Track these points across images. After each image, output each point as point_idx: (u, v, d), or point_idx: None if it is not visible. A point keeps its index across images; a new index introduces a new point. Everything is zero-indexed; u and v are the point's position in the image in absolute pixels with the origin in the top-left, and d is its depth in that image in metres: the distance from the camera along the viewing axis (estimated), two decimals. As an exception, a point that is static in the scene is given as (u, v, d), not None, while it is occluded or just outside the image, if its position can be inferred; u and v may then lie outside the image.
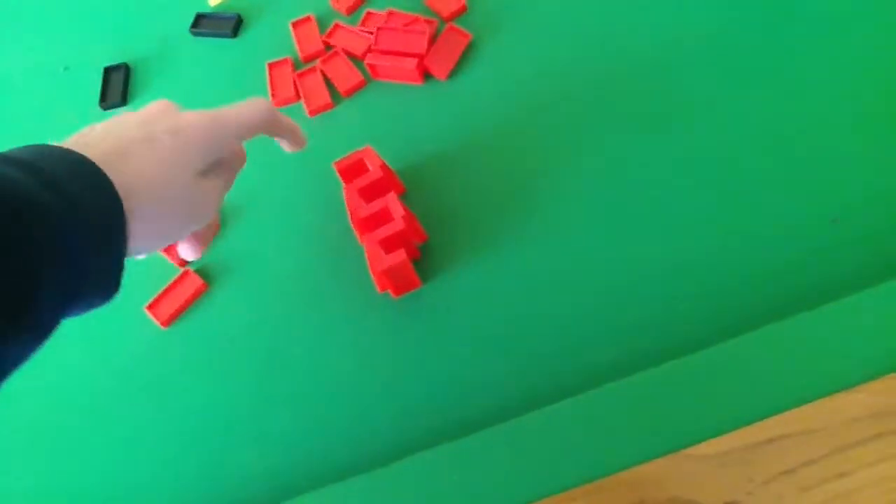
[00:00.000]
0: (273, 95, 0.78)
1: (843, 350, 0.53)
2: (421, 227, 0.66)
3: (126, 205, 0.45)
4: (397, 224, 0.62)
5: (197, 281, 0.69)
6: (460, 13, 0.79)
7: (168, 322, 0.68)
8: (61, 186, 0.42)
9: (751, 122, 0.67)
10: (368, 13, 0.81)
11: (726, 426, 0.52)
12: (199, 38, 0.85)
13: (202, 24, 0.85)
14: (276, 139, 0.61)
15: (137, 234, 0.47)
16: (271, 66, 0.79)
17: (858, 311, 0.55)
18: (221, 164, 0.55)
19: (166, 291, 0.69)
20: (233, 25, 0.84)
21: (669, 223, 0.64)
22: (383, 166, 0.67)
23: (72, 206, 0.42)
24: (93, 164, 0.45)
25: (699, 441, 0.52)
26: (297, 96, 0.78)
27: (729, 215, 0.63)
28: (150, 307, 0.69)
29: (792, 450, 0.51)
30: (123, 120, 0.51)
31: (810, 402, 0.52)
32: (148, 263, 0.64)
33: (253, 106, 0.56)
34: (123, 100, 0.81)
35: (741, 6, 0.73)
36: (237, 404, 0.64)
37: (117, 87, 0.82)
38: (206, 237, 0.59)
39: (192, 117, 0.52)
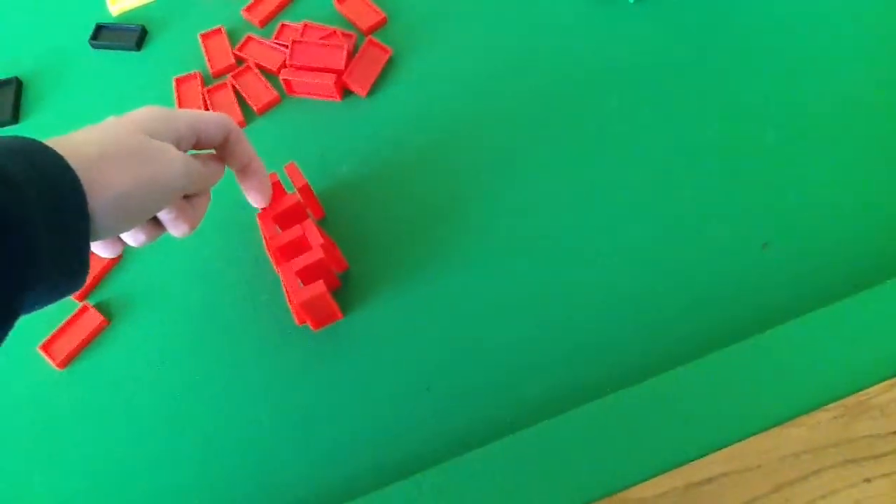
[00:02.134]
0: (180, 113, 0.73)
1: (779, 382, 0.52)
2: (341, 255, 0.62)
3: (74, 162, 0.42)
4: (316, 253, 0.58)
5: (96, 317, 0.63)
6: (379, 26, 0.76)
7: (64, 363, 0.63)
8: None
9: (680, 148, 0.65)
10: (283, 25, 0.76)
11: (664, 465, 0.50)
12: (100, 51, 0.79)
13: (103, 35, 0.79)
14: (240, 177, 0.57)
15: (97, 195, 0.43)
16: (179, 81, 0.74)
17: (792, 342, 0.54)
18: (180, 145, 0.51)
19: (62, 329, 0.63)
20: (136, 37, 0.78)
21: (600, 250, 0.62)
22: (305, 187, 0.63)
23: (7, 181, 0.39)
24: (31, 140, 0.42)
25: (636, 482, 0.50)
26: (207, 114, 0.73)
27: (661, 243, 0.61)
28: (45, 347, 0.63)
29: (732, 489, 0.49)
30: None
31: (748, 437, 0.50)
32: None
33: (214, 112, 0.54)
34: (14, 117, 0.75)
35: (670, 28, 0.72)
36: (140, 452, 0.59)
37: (7, 103, 0.75)
38: (191, 214, 0.53)
39: (142, 107, 0.50)
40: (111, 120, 0.48)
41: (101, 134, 0.46)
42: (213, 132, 0.53)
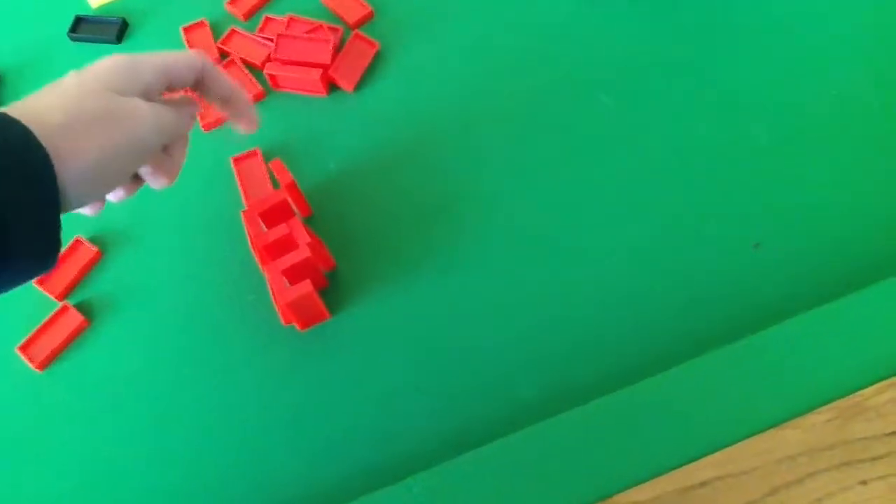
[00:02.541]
0: (163, 108, 0.71)
1: (773, 384, 0.52)
2: (328, 254, 0.61)
3: (38, 131, 0.39)
4: (302, 251, 0.57)
5: (76, 317, 0.62)
6: (366, 20, 0.74)
7: (44, 364, 0.61)
8: None
9: (672, 147, 0.65)
10: (267, 19, 0.75)
11: (658, 468, 0.49)
12: (80, 44, 0.77)
13: (82, 28, 0.77)
14: (223, 110, 0.54)
15: (67, 166, 0.40)
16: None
17: (785, 343, 0.53)
18: (150, 94, 0.47)
19: (42, 329, 0.62)
20: (117, 30, 0.76)
21: (592, 250, 0.61)
22: (291, 184, 0.61)
23: None
24: None
25: (630, 486, 0.49)
26: (190, 109, 0.71)
27: (652, 242, 0.61)
28: (23, 348, 0.61)
29: (727, 492, 0.48)
30: None
31: (743, 439, 0.50)
32: (20, 297, 0.56)
33: (183, 51, 0.51)
34: (-9, 112, 0.73)
35: (664, 26, 0.71)
36: (123, 456, 0.57)
37: (-16, 97, 0.74)
38: (168, 164, 0.51)
39: (103, 58, 0.47)
40: (71, 78, 0.44)
41: (64, 97, 0.43)
42: (184, 74, 0.49)
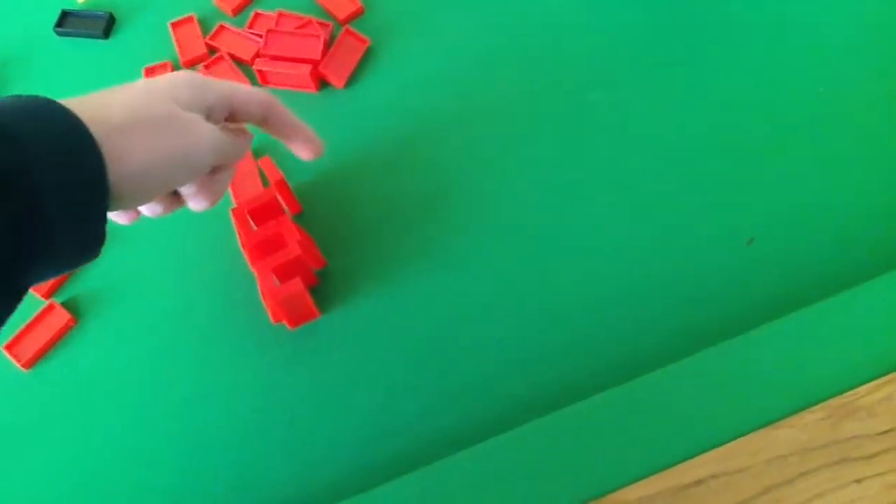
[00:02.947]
0: (150, 104, 0.70)
1: (766, 383, 0.52)
2: (318, 252, 0.61)
3: (95, 129, 0.39)
4: (293, 250, 0.56)
5: (63, 315, 0.61)
6: (357, 16, 0.74)
7: (30, 363, 0.60)
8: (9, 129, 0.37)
9: (664, 143, 0.64)
10: (256, 14, 0.74)
11: (651, 467, 0.49)
12: (66, 39, 0.76)
13: (68, 22, 0.76)
14: (285, 142, 0.54)
15: (119, 165, 0.40)
16: (148, 71, 0.72)
17: (778, 341, 0.53)
18: (211, 116, 0.48)
19: (28, 328, 0.61)
20: (104, 25, 0.75)
21: (585, 247, 0.61)
22: (280, 181, 0.61)
23: (10, 140, 0.36)
24: (46, 99, 0.39)
25: (623, 484, 0.49)
26: (178, 105, 0.70)
27: (645, 239, 0.60)
28: (9, 346, 0.60)
29: (720, 491, 0.48)
30: None
31: (736, 438, 0.49)
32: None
33: (255, 88, 0.51)
34: (-24, 107, 0.72)
35: (657, 20, 0.70)
36: (111, 456, 0.57)
37: (-32, 93, 0.72)
38: (213, 188, 0.50)
39: (176, 71, 0.48)
40: (141, 83, 0.45)
41: (129, 98, 0.43)
42: (251, 110, 0.50)
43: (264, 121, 0.51)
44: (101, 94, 0.43)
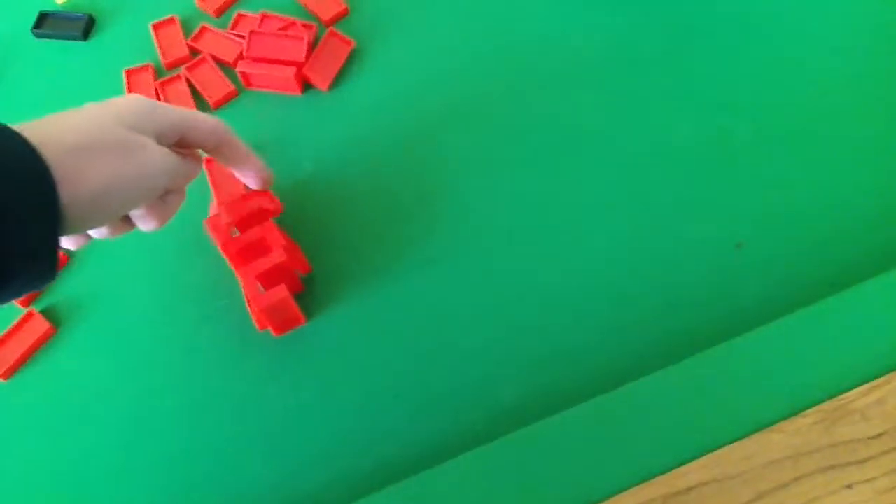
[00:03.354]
0: (131, 107, 0.69)
1: (757, 387, 0.51)
2: (304, 257, 0.60)
3: (47, 152, 0.39)
4: (277, 255, 0.55)
5: (43, 324, 0.60)
6: (341, 17, 0.73)
7: (8, 374, 0.59)
8: None
9: (653, 145, 0.64)
10: (239, 15, 0.73)
11: (642, 475, 0.49)
12: (44, 41, 0.75)
13: (46, 23, 0.75)
14: (234, 171, 0.54)
15: (71, 189, 0.40)
16: (129, 73, 0.71)
17: (769, 345, 0.52)
18: (161, 140, 0.48)
19: (6, 337, 0.59)
20: (83, 26, 0.74)
21: (573, 251, 0.60)
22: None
23: None
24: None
25: (615, 492, 0.48)
26: (160, 108, 0.69)
27: (634, 242, 0.60)
28: (-14, 356, 0.59)
29: (713, 498, 0.48)
30: None
31: (728, 444, 0.49)
32: (-18, 304, 0.54)
33: (205, 114, 0.51)
34: (-49, 111, 0.70)
35: (645, 22, 0.70)
36: (92, 467, 0.55)
37: (-57, 96, 0.71)
38: (162, 210, 0.50)
39: (127, 95, 0.48)
40: (91, 106, 0.45)
41: (80, 122, 0.43)
42: (203, 138, 0.50)
43: (215, 150, 0.52)
44: (52, 117, 0.43)
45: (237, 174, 0.55)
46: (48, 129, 0.41)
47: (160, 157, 0.46)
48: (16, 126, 0.40)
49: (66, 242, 0.50)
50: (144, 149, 0.45)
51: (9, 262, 0.38)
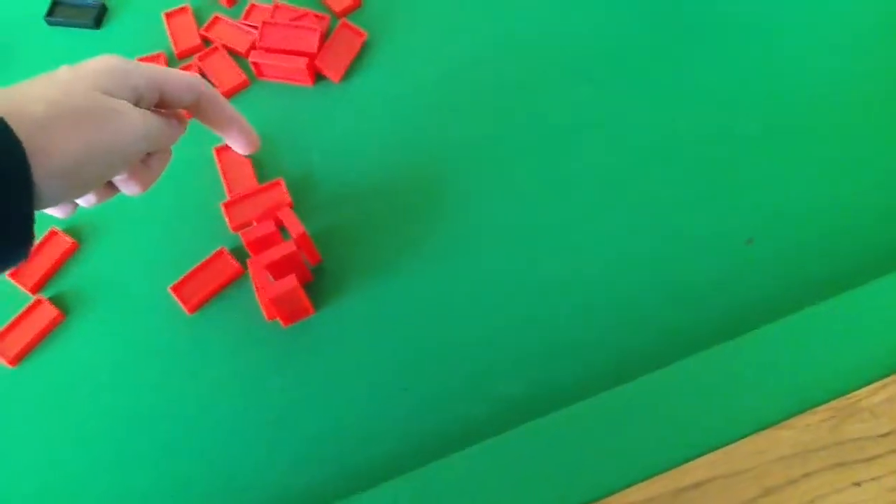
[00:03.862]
0: (142, 95, 0.69)
1: (767, 384, 0.51)
2: (314, 247, 0.60)
3: (17, 125, 0.37)
4: (288, 246, 0.55)
5: (51, 311, 0.60)
6: (354, 9, 0.73)
7: (17, 360, 0.59)
8: None
9: (662, 140, 0.64)
10: (252, 6, 0.73)
11: (650, 470, 0.48)
12: (56, 28, 0.75)
13: (59, 11, 0.75)
14: (219, 133, 0.52)
15: (44, 162, 0.39)
16: (141, 61, 0.70)
17: (779, 342, 0.52)
18: (140, 102, 0.46)
19: (14, 323, 0.60)
20: (95, 14, 0.74)
21: (581, 245, 0.60)
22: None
23: None
24: None
25: (622, 487, 0.48)
26: (171, 97, 0.69)
27: (643, 238, 0.60)
28: (-5, 342, 0.59)
29: (720, 493, 0.47)
30: None
31: (736, 440, 0.49)
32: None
33: (183, 72, 0.49)
34: (-37, 97, 0.70)
35: (653, 17, 0.70)
36: (98, 454, 0.55)
37: (-44, 81, 0.71)
38: (145, 174, 0.49)
39: (99, 56, 0.45)
40: (62, 71, 0.43)
41: (50, 89, 0.41)
42: (180, 94, 0.48)
43: (196, 107, 0.50)
44: (20, 86, 0.41)
45: (224, 137, 0.52)
46: (16, 99, 0.39)
47: (138, 122, 0.44)
48: None
49: (53, 212, 0.48)
50: (120, 114, 0.43)
51: None
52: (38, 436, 0.56)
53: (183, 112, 0.51)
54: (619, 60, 0.68)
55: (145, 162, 0.49)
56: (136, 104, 0.45)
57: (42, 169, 0.39)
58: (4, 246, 0.39)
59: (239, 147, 0.53)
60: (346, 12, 0.73)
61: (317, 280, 0.60)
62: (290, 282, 0.54)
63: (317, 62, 0.68)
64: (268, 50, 0.68)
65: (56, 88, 0.41)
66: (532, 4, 0.71)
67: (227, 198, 0.63)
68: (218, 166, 0.64)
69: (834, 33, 0.68)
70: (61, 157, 0.40)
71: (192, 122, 0.51)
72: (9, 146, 0.37)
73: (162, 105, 0.48)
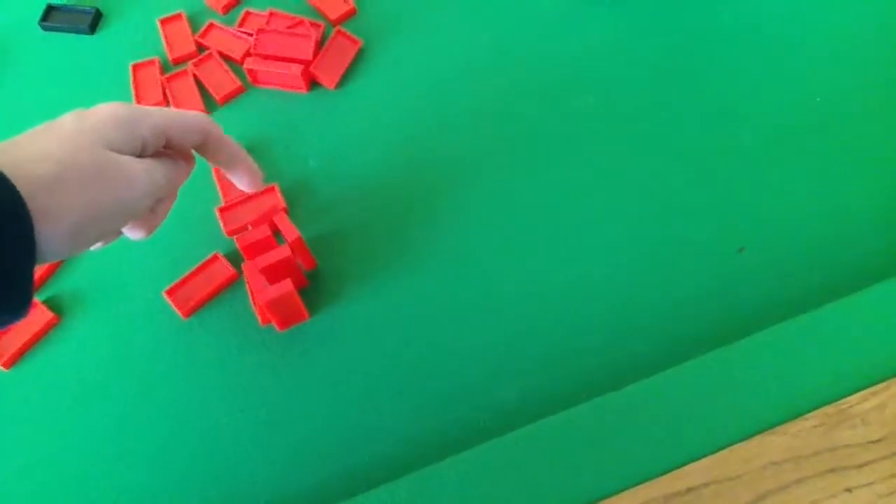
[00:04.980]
0: (138, 101, 0.69)
1: (759, 390, 0.51)
2: (309, 252, 0.60)
3: (22, 186, 0.37)
4: (283, 251, 0.56)
5: (46, 313, 0.60)
6: (349, 16, 0.73)
7: (10, 362, 0.59)
8: None
9: (656, 149, 0.64)
10: (247, 13, 0.73)
11: (642, 475, 0.49)
12: (51, 34, 0.75)
13: (54, 17, 0.75)
14: (223, 170, 0.52)
15: (47, 223, 0.38)
16: (136, 67, 0.71)
17: (771, 349, 0.53)
18: (146, 151, 0.46)
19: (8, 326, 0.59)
20: (90, 20, 0.74)
21: (576, 253, 0.60)
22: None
23: None
24: None
25: (615, 492, 0.48)
26: (166, 102, 0.69)
27: (637, 245, 0.60)
28: (-12, 345, 0.59)
29: (713, 499, 0.48)
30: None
31: (728, 446, 0.49)
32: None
33: (189, 111, 0.49)
34: (-43, 102, 0.70)
35: (648, 27, 0.71)
36: (92, 456, 0.55)
37: (-51, 86, 0.71)
38: (149, 220, 0.49)
39: (104, 105, 0.45)
40: (69, 121, 0.43)
41: (54, 147, 0.40)
42: (187, 137, 0.48)
43: (202, 147, 0.50)
44: (22, 139, 0.41)
45: (229, 175, 0.53)
46: (19, 157, 0.39)
47: (144, 178, 0.44)
48: None
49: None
50: (125, 172, 0.43)
51: None
52: (31, 438, 0.56)
53: (191, 152, 0.51)
54: (615, 71, 0.68)
55: (151, 209, 0.48)
56: (142, 152, 0.45)
57: (46, 229, 0.38)
58: (5, 304, 0.38)
59: (243, 185, 0.53)
60: (341, 20, 0.73)
61: (312, 285, 0.60)
62: (285, 286, 0.54)
63: (312, 69, 0.69)
64: (263, 57, 0.69)
65: (61, 145, 0.41)
66: (528, 13, 0.72)
67: (222, 203, 0.63)
68: (213, 171, 0.64)
69: (830, 43, 0.69)
70: (66, 218, 0.39)
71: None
72: (14, 207, 0.37)
73: (167, 147, 0.48)
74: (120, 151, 0.43)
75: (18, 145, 0.40)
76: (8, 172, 0.37)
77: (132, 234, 0.49)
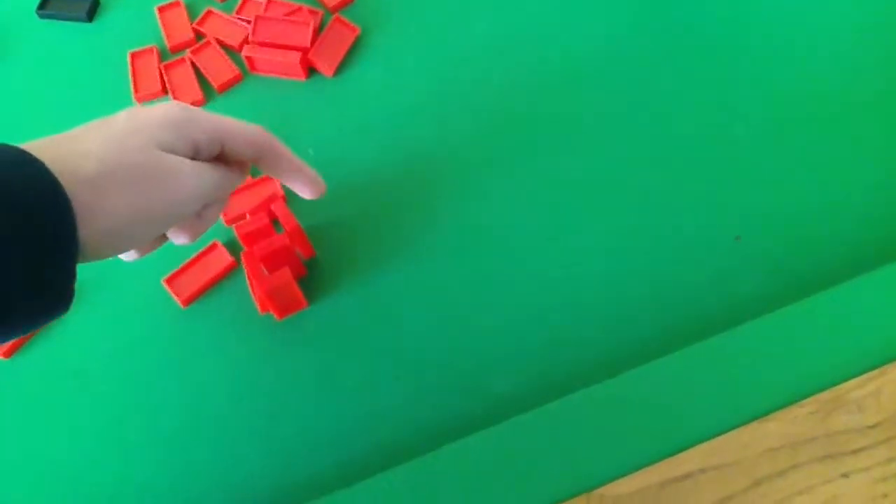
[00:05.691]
0: (136, 89, 0.69)
1: (755, 377, 0.51)
2: (307, 241, 0.60)
3: (66, 182, 0.36)
4: (282, 239, 0.56)
5: (45, 302, 0.60)
6: (347, 4, 0.73)
7: (9, 352, 0.59)
8: None
9: (652, 139, 0.64)
10: (245, 0, 0.73)
11: (639, 462, 0.49)
12: (48, 21, 0.75)
13: (51, 4, 0.75)
14: (283, 181, 0.51)
15: (91, 222, 0.38)
16: (134, 55, 0.71)
17: (767, 336, 0.53)
18: (199, 154, 0.45)
19: (8, 315, 0.59)
20: (88, 7, 0.74)
21: (572, 242, 0.60)
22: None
23: None
24: (10, 148, 0.36)
25: (612, 479, 0.48)
26: (164, 91, 0.69)
27: (632, 235, 0.60)
28: (-12, 334, 0.59)
29: (709, 485, 0.48)
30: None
31: (724, 432, 0.49)
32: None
33: (247, 123, 0.48)
34: (-45, 90, 0.70)
35: (646, 19, 0.70)
36: (90, 448, 0.55)
37: (-54, 74, 0.71)
38: (196, 225, 0.48)
39: (160, 104, 0.44)
40: (122, 119, 0.42)
41: (102, 145, 0.39)
42: (241, 149, 0.47)
43: (259, 161, 0.49)
44: (74, 134, 0.40)
45: (289, 186, 0.52)
46: (64, 153, 0.38)
47: (194, 181, 0.43)
48: (30, 144, 0.37)
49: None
50: (177, 175, 0.42)
51: (15, 298, 0.35)
52: (31, 428, 0.56)
53: (246, 161, 0.50)
54: (612, 61, 0.68)
55: (199, 213, 0.48)
56: (195, 156, 0.44)
57: (88, 228, 0.38)
58: (46, 301, 0.38)
59: (305, 194, 0.52)
60: (339, 7, 0.73)
61: (310, 273, 0.60)
62: (284, 275, 0.55)
63: (310, 56, 0.69)
64: (261, 44, 0.68)
65: (110, 143, 0.40)
66: (528, 5, 0.72)
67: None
68: (211, 160, 0.64)
69: (826, 35, 0.68)
70: (109, 218, 0.39)
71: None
72: (57, 203, 0.36)
73: (221, 159, 0.47)
74: (172, 152, 0.42)
75: (66, 140, 0.39)
76: (54, 169, 0.36)
77: (176, 238, 0.48)
